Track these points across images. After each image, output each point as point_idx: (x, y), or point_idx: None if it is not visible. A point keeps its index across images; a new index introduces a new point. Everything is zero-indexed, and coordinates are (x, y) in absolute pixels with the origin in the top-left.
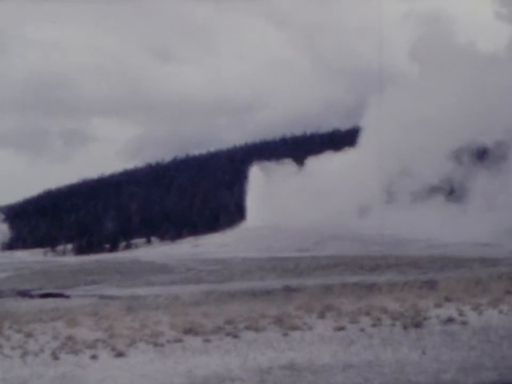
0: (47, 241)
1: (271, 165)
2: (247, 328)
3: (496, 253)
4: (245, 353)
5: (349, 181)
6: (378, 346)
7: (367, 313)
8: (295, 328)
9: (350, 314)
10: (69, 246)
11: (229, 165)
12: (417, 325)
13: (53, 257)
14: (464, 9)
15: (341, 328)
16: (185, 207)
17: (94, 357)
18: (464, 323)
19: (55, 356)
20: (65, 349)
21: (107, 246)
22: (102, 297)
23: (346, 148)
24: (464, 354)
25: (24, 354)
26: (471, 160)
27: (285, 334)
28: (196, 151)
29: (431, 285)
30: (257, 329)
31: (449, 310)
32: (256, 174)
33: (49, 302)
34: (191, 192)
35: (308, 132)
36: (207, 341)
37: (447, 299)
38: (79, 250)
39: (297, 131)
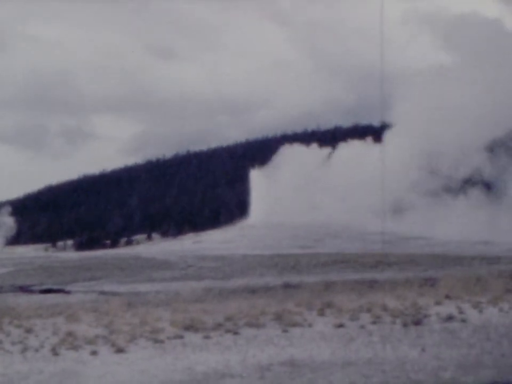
0: (47, 237)
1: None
2: (247, 324)
3: (496, 251)
4: (245, 350)
5: (376, 174)
6: (378, 343)
7: (367, 311)
8: (295, 325)
9: (350, 311)
10: (70, 242)
11: (229, 161)
12: (417, 323)
13: (54, 253)
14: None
15: (341, 325)
16: (186, 204)
17: (94, 353)
18: (464, 321)
19: (55, 352)
20: (65, 344)
21: (108, 242)
22: (102, 293)
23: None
24: (464, 352)
25: (24, 349)
26: (507, 153)
27: (285, 331)
28: (196, 148)
29: (431, 282)
30: (257, 326)
31: (449, 308)
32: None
33: (50, 298)
34: (192, 189)
35: (309, 129)
36: (207, 337)
37: (447, 297)
38: (80, 246)
39: (298, 129)
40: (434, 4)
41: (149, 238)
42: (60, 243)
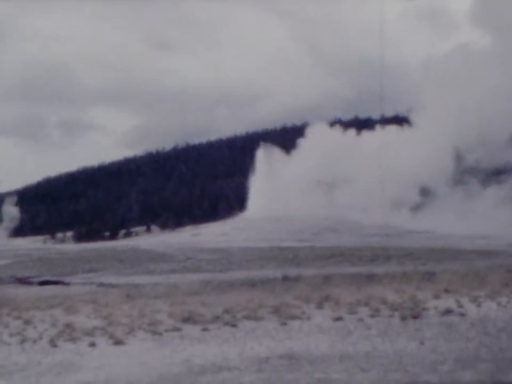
0: (46, 228)
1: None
2: (246, 317)
3: (494, 245)
4: (243, 343)
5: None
6: (377, 337)
7: (366, 304)
8: (293, 318)
9: (349, 304)
10: (69, 234)
11: (229, 154)
12: (416, 316)
13: (53, 245)
14: None
15: (339, 319)
16: (185, 196)
17: (92, 345)
18: (462, 315)
19: (53, 343)
20: (63, 336)
21: (107, 234)
22: (101, 285)
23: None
24: (462, 346)
25: (23, 341)
26: None
27: (284, 324)
28: (196, 140)
29: (430, 276)
30: (255, 319)
31: (448, 302)
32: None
33: (48, 290)
34: (191, 181)
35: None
36: (206, 330)
37: (446, 291)
38: (79, 238)
39: (298, 122)
40: None
41: (148, 230)
42: (59, 235)
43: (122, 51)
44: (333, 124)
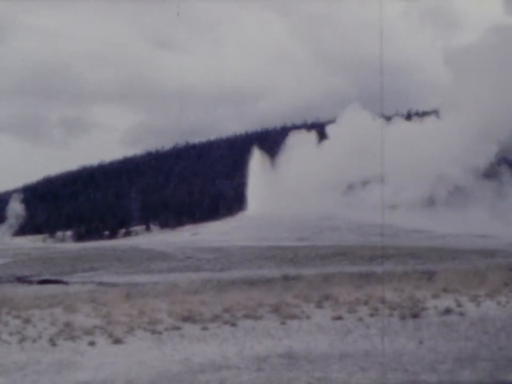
0: (46, 227)
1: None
2: (245, 316)
3: (494, 245)
4: (243, 342)
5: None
6: (376, 336)
7: (365, 303)
8: (293, 317)
9: (348, 303)
10: (68, 233)
11: (229, 153)
12: (415, 315)
13: (52, 244)
14: None
15: (339, 318)
16: (185, 195)
17: (91, 344)
18: (461, 314)
19: (53, 342)
20: (63, 335)
21: (106, 233)
22: (100, 284)
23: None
24: (461, 345)
25: (22, 340)
26: None
27: (283, 323)
28: (196, 140)
29: (429, 275)
30: (255, 318)
31: (447, 301)
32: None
33: (48, 289)
34: (191, 180)
35: (309, 121)
36: (205, 329)
37: (445, 290)
38: (78, 237)
39: (298, 121)
40: None
41: (148, 229)
42: (59, 234)
43: (123, 49)
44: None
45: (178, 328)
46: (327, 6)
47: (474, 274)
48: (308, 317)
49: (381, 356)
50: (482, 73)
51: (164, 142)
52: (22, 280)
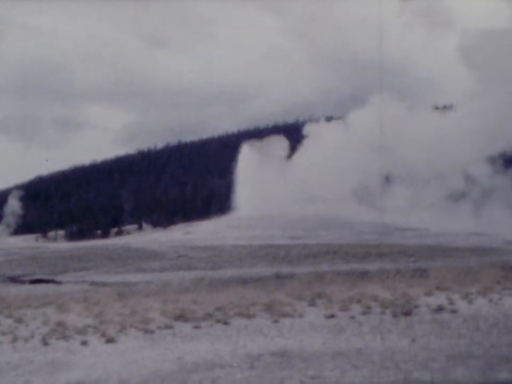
0: (38, 227)
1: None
2: (238, 315)
3: (487, 243)
4: (235, 340)
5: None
6: (368, 334)
7: (358, 301)
8: (285, 315)
9: (341, 302)
10: (60, 232)
11: (221, 152)
12: (407, 313)
13: (44, 243)
14: None
15: (332, 316)
16: (177, 194)
17: (84, 343)
18: (454, 312)
19: (45, 342)
20: (55, 334)
21: (98, 232)
22: (92, 283)
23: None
24: (454, 343)
25: (14, 339)
26: None
27: (276, 321)
28: (188, 139)
29: (421, 273)
30: (247, 316)
31: (440, 299)
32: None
33: (40, 288)
34: (183, 179)
35: (301, 120)
36: (197, 327)
37: (438, 288)
38: (71, 237)
39: (291, 119)
40: None
41: (140, 228)
42: (51, 233)
43: (116, 48)
44: (329, 119)
45: (170, 327)
46: (322, 5)
47: (467, 272)
48: (301, 316)
49: (374, 353)
50: (498, 62)
51: (156, 141)
52: (14, 279)
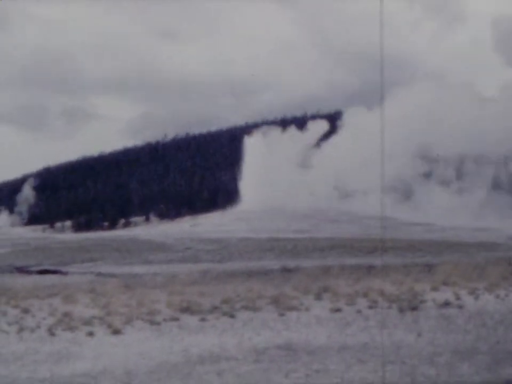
0: (46, 218)
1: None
2: (244, 308)
3: (493, 238)
4: (241, 333)
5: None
6: (374, 328)
7: (364, 296)
8: (291, 308)
9: (347, 296)
10: (68, 223)
11: (229, 144)
12: (414, 308)
13: (51, 234)
14: None
15: (338, 310)
16: (184, 186)
17: (90, 334)
18: (460, 307)
19: (51, 332)
20: (61, 325)
21: (106, 223)
22: (99, 274)
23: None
24: (460, 338)
25: (21, 330)
26: None
27: (282, 315)
28: (196, 131)
29: (428, 268)
30: (253, 309)
31: (446, 294)
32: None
33: (47, 279)
34: (190, 172)
35: (309, 113)
36: (204, 320)
37: (444, 283)
38: (78, 228)
39: (299, 113)
40: None
41: (147, 220)
42: (58, 224)
43: (125, 40)
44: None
45: (176, 319)
46: None
47: (474, 267)
48: (307, 309)
49: (380, 348)
50: None
51: (164, 133)
52: (21, 270)
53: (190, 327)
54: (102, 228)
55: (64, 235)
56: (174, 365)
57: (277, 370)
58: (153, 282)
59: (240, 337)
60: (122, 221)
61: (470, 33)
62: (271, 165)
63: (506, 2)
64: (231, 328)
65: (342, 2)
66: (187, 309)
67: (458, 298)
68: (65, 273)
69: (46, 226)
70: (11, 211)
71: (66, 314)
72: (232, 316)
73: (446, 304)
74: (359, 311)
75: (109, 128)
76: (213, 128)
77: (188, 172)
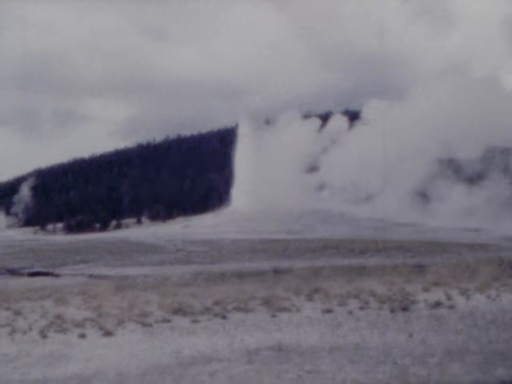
0: (37, 220)
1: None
2: (236, 309)
3: (484, 239)
4: (233, 334)
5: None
6: (366, 329)
7: (355, 296)
8: (283, 310)
9: (339, 297)
10: (59, 225)
11: (220, 146)
12: (405, 309)
13: (43, 236)
14: None
15: (329, 311)
16: (175, 188)
17: (82, 336)
18: (451, 307)
19: (43, 334)
20: (53, 327)
21: (97, 225)
22: (91, 276)
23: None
24: (451, 338)
25: (13, 332)
26: None
27: (273, 316)
28: (187, 133)
29: (419, 269)
30: (245, 311)
31: (437, 294)
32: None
33: (39, 281)
34: (182, 173)
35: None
36: (195, 321)
37: (435, 283)
38: (69, 230)
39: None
40: None
41: (139, 222)
42: (49, 226)
43: (116, 41)
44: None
45: (168, 321)
46: None
47: (465, 268)
48: (298, 310)
49: (371, 348)
50: None
51: (155, 135)
52: (13, 272)
53: (182, 328)
54: (94, 230)
55: (56, 237)
56: (166, 367)
57: (269, 371)
58: (144, 284)
59: (232, 339)
60: (113, 222)
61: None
62: (263, 166)
63: None
64: (223, 330)
65: (336, 3)
66: (179, 311)
67: (449, 298)
68: (57, 275)
69: (37, 228)
70: (6, 213)
71: (58, 316)
72: (224, 317)
73: (437, 304)
74: (350, 312)
75: (100, 130)
76: (204, 129)
77: (179, 173)
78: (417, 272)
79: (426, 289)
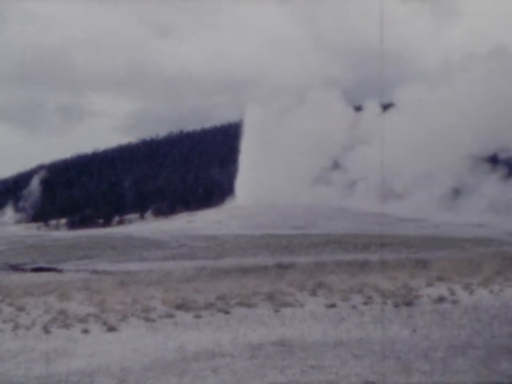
0: (40, 215)
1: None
2: (239, 304)
3: (488, 234)
4: (236, 329)
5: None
6: (369, 324)
7: (359, 291)
8: (286, 305)
9: (342, 292)
10: (62, 221)
11: (223, 141)
12: (409, 304)
13: (46, 232)
14: None
15: (332, 306)
16: (179, 183)
17: (85, 331)
18: (455, 302)
19: (46, 330)
20: (56, 323)
21: (100, 221)
22: (94, 272)
23: None
24: (454, 333)
25: (16, 327)
26: None
27: (277, 311)
28: (190, 128)
29: (423, 264)
30: (249, 306)
31: (441, 289)
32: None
33: (42, 276)
34: (185, 168)
35: None
36: (199, 316)
37: (439, 278)
38: (72, 225)
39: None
40: None
41: (142, 217)
42: (53, 222)
43: (120, 36)
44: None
45: (172, 316)
46: None
47: (468, 263)
48: (302, 305)
49: (375, 343)
50: None
51: (159, 130)
52: (16, 268)
53: (185, 323)
54: (97, 225)
55: (59, 233)
56: (170, 362)
57: (272, 366)
58: (148, 280)
59: (235, 334)
60: (116, 218)
61: None
62: (267, 161)
63: None
64: (226, 325)
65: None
66: (182, 306)
67: (453, 293)
68: (60, 271)
69: (41, 224)
70: (14, 209)
71: (61, 312)
72: (227, 312)
73: (441, 299)
74: (354, 307)
75: (104, 125)
76: (207, 125)
77: (182, 168)
78: (420, 267)
79: (429, 284)
